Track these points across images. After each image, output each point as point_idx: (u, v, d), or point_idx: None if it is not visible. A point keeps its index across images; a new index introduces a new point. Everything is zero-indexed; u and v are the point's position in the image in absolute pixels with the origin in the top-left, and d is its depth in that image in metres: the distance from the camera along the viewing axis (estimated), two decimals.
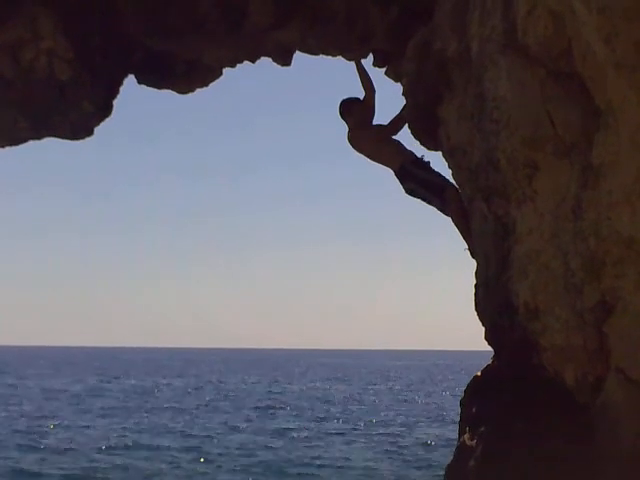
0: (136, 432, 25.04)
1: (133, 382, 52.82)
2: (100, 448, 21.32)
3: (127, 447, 21.48)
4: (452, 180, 6.77)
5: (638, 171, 4.19)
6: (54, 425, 26.59)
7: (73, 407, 33.82)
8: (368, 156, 7.37)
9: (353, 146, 7.39)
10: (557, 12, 4.47)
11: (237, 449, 21.21)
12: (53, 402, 36.42)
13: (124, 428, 26.12)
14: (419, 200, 7.14)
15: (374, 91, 7.33)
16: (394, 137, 7.31)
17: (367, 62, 7.70)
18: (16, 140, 8.43)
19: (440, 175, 7.00)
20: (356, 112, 7.32)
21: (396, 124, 7.25)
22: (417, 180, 6.97)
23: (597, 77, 4.35)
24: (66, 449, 21.20)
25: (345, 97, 7.50)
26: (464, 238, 6.77)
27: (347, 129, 7.42)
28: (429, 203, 7.05)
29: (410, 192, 7.12)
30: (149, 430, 25.62)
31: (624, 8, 3.97)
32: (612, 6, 3.99)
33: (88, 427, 26.34)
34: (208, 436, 23.95)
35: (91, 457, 19.82)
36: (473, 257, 6.62)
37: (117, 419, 28.98)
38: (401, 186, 7.14)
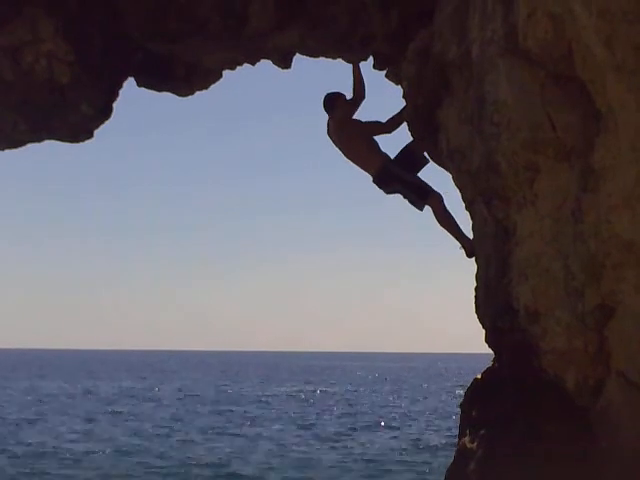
0: (112, 435, 24.72)
1: (117, 385, 52.40)
2: (77, 452, 20.94)
3: (99, 452, 21.09)
4: (453, 183, 6.79)
5: (638, 174, 4.20)
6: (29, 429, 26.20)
7: (54, 410, 33.49)
8: (346, 150, 7.33)
9: (335, 138, 7.36)
10: (557, 15, 4.47)
11: (221, 454, 20.90)
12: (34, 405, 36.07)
13: (100, 431, 25.77)
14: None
15: (363, 98, 7.38)
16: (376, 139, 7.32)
17: (367, 65, 7.72)
18: (16, 143, 8.43)
19: (419, 178, 7.02)
20: (343, 105, 7.32)
21: (392, 123, 7.27)
22: (401, 181, 7.00)
23: (597, 80, 4.36)
24: (42, 453, 20.91)
25: (330, 92, 7.48)
26: (456, 239, 6.83)
27: (331, 121, 7.37)
28: (412, 203, 7.09)
29: (392, 192, 7.18)
30: (126, 434, 25.29)
31: (624, 11, 3.98)
32: (612, 9, 4.00)
33: (65, 431, 25.98)
34: (191, 442, 23.58)
35: (66, 461, 19.48)
36: (468, 256, 6.65)
37: (94, 423, 28.65)
38: (380, 188, 7.16)
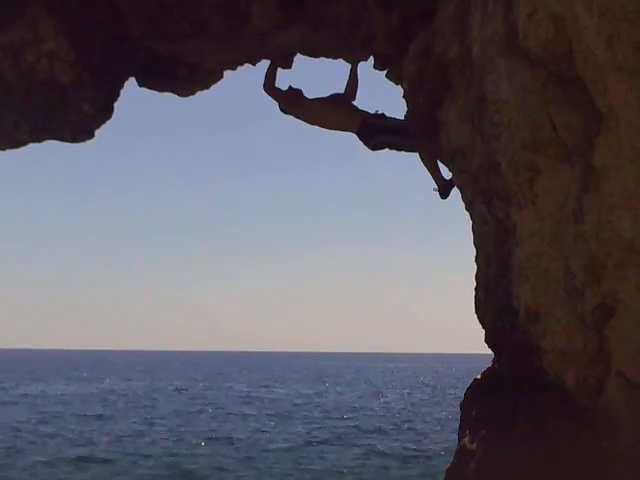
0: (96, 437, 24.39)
1: (104, 385, 51.91)
2: (58, 457, 20.49)
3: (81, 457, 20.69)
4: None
5: (639, 174, 4.20)
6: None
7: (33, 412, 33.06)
8: (322, 125, 7.55)
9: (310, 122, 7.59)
10: (558, 15, 4.47)
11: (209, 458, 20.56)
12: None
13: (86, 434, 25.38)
14: (387, 150, 7.29)
15: (353, 98, 7.51)
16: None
17: (368, 65, 7.75)
18: (17, 143, 8.43)
19: (400, 120, 7.08)
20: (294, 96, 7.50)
21: (350, 87, 7.45)
22: (385, 129, 7.09)
23: (598, 80, 4.36)
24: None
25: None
26: (433, 177, 6.89)
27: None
28: (400, 149, 7.19)
29: (378, 146, 7.25)
30: (110, 435, 24.95)
31: (625, 11, 3.98)
32: (613, 9, 4.01)
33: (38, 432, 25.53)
34: (181, 443, 23.23)
35: (45, 467, 19.08)
36: (442, 197, 6.79)
37: (76, 424, 28.29)
38: (365, 144, 7.26)
